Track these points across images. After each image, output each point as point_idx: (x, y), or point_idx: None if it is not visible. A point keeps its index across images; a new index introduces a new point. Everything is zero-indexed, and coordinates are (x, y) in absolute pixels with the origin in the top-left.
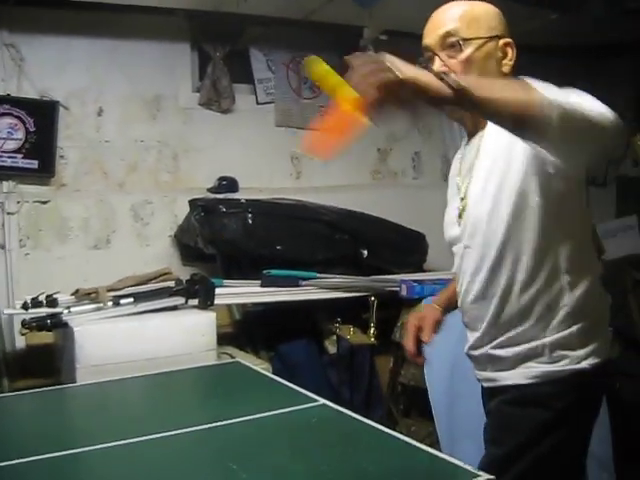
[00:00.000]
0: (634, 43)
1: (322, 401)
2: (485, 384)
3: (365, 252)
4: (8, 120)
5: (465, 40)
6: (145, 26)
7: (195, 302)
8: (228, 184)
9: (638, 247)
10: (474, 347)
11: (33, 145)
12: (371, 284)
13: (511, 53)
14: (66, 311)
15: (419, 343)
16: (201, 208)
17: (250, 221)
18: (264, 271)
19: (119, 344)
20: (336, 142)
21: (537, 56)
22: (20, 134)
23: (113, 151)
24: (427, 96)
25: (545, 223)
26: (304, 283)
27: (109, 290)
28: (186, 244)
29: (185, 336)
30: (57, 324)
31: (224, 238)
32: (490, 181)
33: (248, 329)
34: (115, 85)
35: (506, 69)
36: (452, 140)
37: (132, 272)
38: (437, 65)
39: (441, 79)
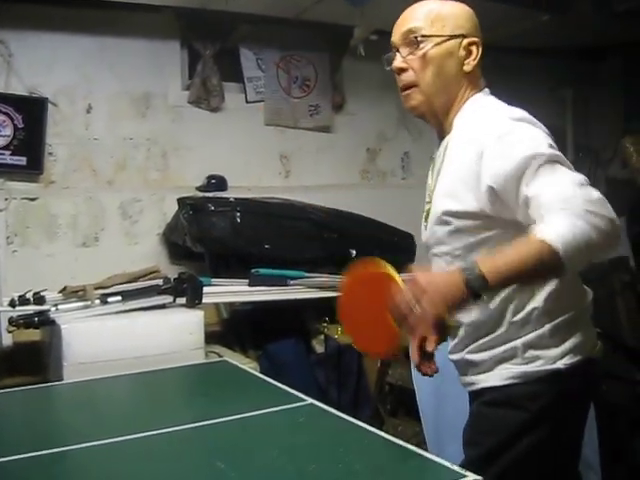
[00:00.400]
0: (623, 45)
1: (310, 400)
2: (467, 388)
3: (354, 252)
4: None
5: (424, 37)
6: (135, 24)
7: (183, 300)
8: (217, 183)
9: (626, 249)
10: (452, 352)
11: (21, 142)
12: None
13: (475, 52)
14: (54, 309)
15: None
16: (190, 206)
17: (239, 220)
18: (252, 270)
19: (107, 342)
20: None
21: (528, 57)
22: (8, 131)
23: (102, 149)
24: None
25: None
26: (292, 282)
27: (97, 288)
28: (174, 242)
29: (173, 334)
30: (44, 322)
31: (212, 236)
32: (450, 191)
33: (236, 328)
34: (104, 82)
35: (467, 68)
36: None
37: (120, 270)
38: (397, 61)
39: (468, 289)
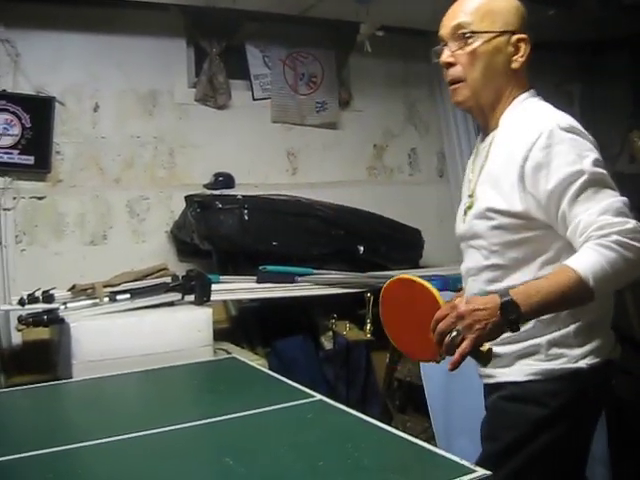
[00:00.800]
0: (631, 38)
1: (318, 397)
2: (485, 380)
3: (362, 248)
4: (4, 116)
5: (474, 33)
6: (141, 22)
7: (191, 298)
8: (224, 180)
9: None
10: None
11: (29, 141)
12: (367, 280)
13: (523, 49)
14: (62, 307)
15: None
16: (197, 204)
17: (246, 217)
18: (260, 267)
19: (115, 340)
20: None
21: (534, 52)
22: (16, 130)
23: (109, 147)
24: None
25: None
26: (300, 279)
27: (105, 286)
28: (182, 240)
29: (181, 332)
30: (53, 320)
31: (220, 234)
32: (495, 188)
33: (244, 325)
34: (111, 81)
35: (515, 65)
36: (449, 137)
37: (128, 268)
38: (445, 55)
39: (505, 318)
